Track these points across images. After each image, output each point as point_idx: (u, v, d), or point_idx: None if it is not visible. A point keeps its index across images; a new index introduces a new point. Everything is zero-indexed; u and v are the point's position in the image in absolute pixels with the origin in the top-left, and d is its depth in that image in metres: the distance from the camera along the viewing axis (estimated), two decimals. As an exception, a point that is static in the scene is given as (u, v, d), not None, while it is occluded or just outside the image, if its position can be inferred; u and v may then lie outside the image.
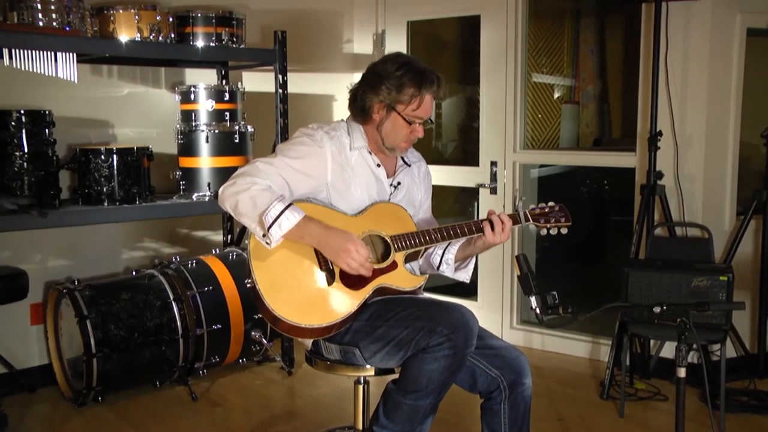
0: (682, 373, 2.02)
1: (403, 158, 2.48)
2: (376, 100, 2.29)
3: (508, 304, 4.39)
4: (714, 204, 3.77)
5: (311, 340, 2.37)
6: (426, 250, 2.43)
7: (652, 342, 3.79)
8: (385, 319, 2.21)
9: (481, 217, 2.34)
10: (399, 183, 2.43)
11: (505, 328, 4.40)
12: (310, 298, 2.18)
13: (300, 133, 2.32)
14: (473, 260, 2.47)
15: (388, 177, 2.40)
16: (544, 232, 2.37)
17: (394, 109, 2.28)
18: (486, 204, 4.38)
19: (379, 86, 2.27)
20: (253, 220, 2.13)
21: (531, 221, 2.36)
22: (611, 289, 3.44)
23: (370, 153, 2.36)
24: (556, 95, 5.49)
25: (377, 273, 2.25)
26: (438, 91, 2.30)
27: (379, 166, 2.37)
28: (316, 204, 2.27)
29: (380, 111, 2.30)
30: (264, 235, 2.12)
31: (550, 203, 2.40)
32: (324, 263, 2.21)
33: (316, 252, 2.21)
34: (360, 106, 2.33)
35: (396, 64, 2.28)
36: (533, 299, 2.12)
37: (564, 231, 2.37)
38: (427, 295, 2.47)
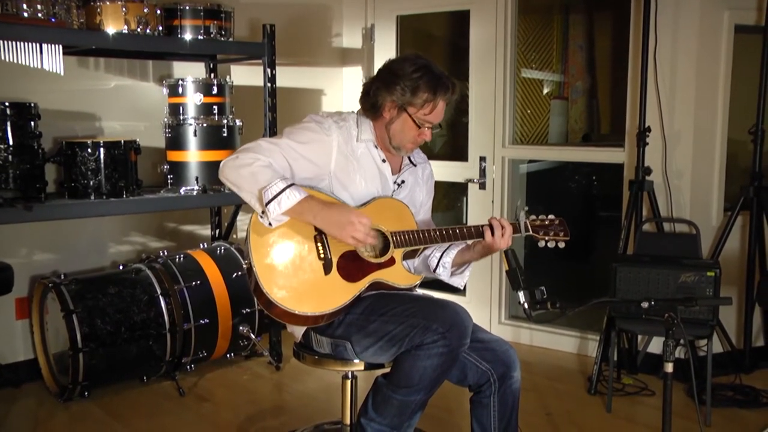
0: (669, 368, 2.03)
1: (409, 158, 2.47)
2: (388, 99, 2.26)
3: (497, 299, 4.40)
4: (702, 200, 3.79)
5: (301, 332, 2.37)
6: (424, 249, 2.43)
7: (639, 337, 3.81)
8: (380, 313, 2.20)
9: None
10: (403, 181, 2.42)
11: (493, 323, 4.40)
12: (306, 286, 2.17)
13: (309, 119, 2.30)
14: (470, 267, 2.46)
15: (393, 174, 2.39)
16: (542, 244, 2.38)
17: (405, 110, 2.26)
18: (475, 199, 4.38)
19: (393, 85, 2.24)
20: (253, 195, 2.12)
21: (531, 232, 2.37)
22: (599, 284, 3.45)
23: (377, 147, 2.35)
24: (545, 91, 5.50)
25: (374, 267, 2.25)
26: (452, 98, 2.28)
27: (384, 161, 2.36)
28: (319, 192, 2.25)
29: (391, 110, 2.28)
30: (263, 212, 2.11)
31: (551, 216, 2.41)
32: (323, 252, 2.20)
33: (315, 240, 2.20)
34: (372, 102, 2.30)
35: (414, 65, 2.25)
36: (521, 294, 2.13)
37: (561, 245, 2.38)
38: (418, 290, 2.47)
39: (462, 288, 2.50)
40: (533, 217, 2.41)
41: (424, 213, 2.54)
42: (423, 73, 2.23)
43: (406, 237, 2.27)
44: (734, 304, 3.78)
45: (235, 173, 2.14)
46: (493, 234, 2.27)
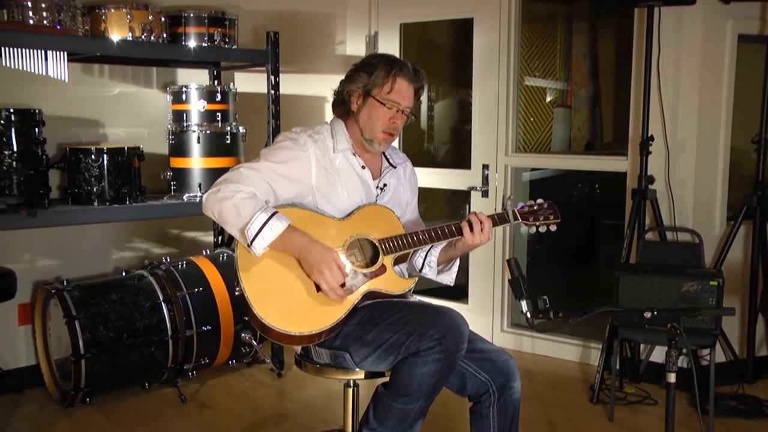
0: (672, 378, 2.02)
1: (388, 160, 2.47)
2: (353, 89, 2.33)
3: (499, 307, 4.39)
4: (705, 209, 3.78)
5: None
6: (415, 252, 2.42)
7: (641, 346, 3.80)
8: (376, 323, 2.19)
9: None
10: (385, 185, 2.42)
11: (495, 331, 4.40)
12: (299, 306, 2.16)
13: (283, 137, 2.31)
14: (456, 263, 2.46)
15: (374, 179, 2.39)
16: (533, 230, 2.36)
17: (370, 94, 2.30)
18: (477, 207, 4.38)
19: (355, 75, 2.34)
20: (237, 230, 2.12)
21: (520, 220, 2.35)
22: (602, 293, 3.44)
23: (355, 155, 2.35)
24: (548, 99, 5.50)
25: (367, 277, 2.24)
26: (414, 78, 2.31)
27: (364, 167, 2.36)
28: (302, 209, 2.25)
29: (358, 100, 2.33)
30: (249, 245, 2.11)
31: (539, 200, 2.39)
32: None
33: None
34: (340, 99, 2.38)
35: (374, 56, 2.38)
36: (524, 303, 2.12)
37: (553, 228, 2.36)
38: (417, 298, 2.47)
39: (452, 284, 2.48)
40: (521, 204, 2.39)
41: (411, 212, 2.54)
42: (381, 58, 2.34)
43: (395, 243, 2.26)
44: (737, 314, 3.77)
45: (218, 207, 2.14)
46: (472, 230, 2.27)
